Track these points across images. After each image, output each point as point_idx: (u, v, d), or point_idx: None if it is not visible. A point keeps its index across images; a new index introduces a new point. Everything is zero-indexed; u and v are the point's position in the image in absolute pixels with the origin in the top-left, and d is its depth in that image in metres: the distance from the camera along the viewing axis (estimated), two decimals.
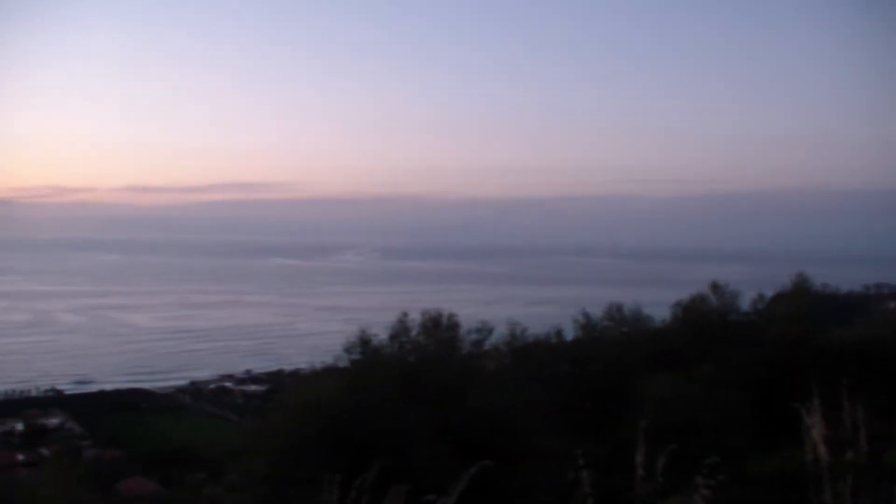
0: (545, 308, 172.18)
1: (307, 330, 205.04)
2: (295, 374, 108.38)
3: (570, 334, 48.09)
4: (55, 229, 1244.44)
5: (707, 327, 44.75)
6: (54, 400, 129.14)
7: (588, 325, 47.94)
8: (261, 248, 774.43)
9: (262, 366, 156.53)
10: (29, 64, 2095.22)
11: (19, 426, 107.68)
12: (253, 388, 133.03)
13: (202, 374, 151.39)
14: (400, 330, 27.28)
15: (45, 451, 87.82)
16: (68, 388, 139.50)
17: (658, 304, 54.24)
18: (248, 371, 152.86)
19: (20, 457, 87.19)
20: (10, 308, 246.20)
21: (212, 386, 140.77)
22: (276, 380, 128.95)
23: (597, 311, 49.00)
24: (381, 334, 26.33)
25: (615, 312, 48.85)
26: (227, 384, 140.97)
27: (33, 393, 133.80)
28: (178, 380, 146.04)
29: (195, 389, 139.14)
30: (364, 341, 22.62)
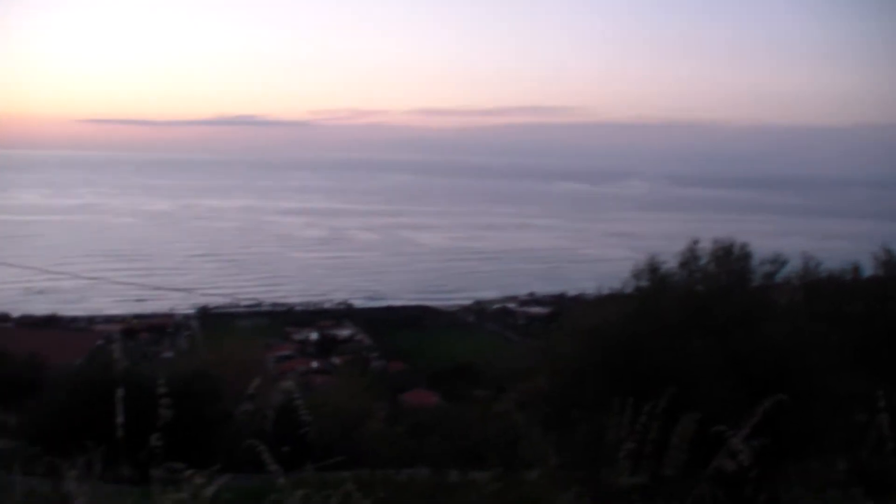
0: (841, 242, 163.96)
1: (593, 255, 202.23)
2: (578, 299, 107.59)
3: (867, 271, 45.76)
4: (350, 149, 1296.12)
5: None
6: (346, 313, 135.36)
7: (889, 262, 45.43)
8: (548, 172, 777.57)
9: (545, 289, 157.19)
10: None
11: (314, 336, 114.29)
12: (535, 309, 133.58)
13: (486, 294, 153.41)
14: (689, 258, 26.68)
15: (336, 360, 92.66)
16: (359, 302, 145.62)
17: None
18: (531, 293, 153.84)
19: (314, 364, 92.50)
20: (310, 224, 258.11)
21: (495, 306, 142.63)
22: (559, 303, 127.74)
23: None
24: (669, 262, 25.76)
25: None
26: (510, 305, 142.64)
27: (327, 306, 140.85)
28: (463, 299, 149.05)
29: (479, 309, 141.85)
30: (652, 268, 22.29)
